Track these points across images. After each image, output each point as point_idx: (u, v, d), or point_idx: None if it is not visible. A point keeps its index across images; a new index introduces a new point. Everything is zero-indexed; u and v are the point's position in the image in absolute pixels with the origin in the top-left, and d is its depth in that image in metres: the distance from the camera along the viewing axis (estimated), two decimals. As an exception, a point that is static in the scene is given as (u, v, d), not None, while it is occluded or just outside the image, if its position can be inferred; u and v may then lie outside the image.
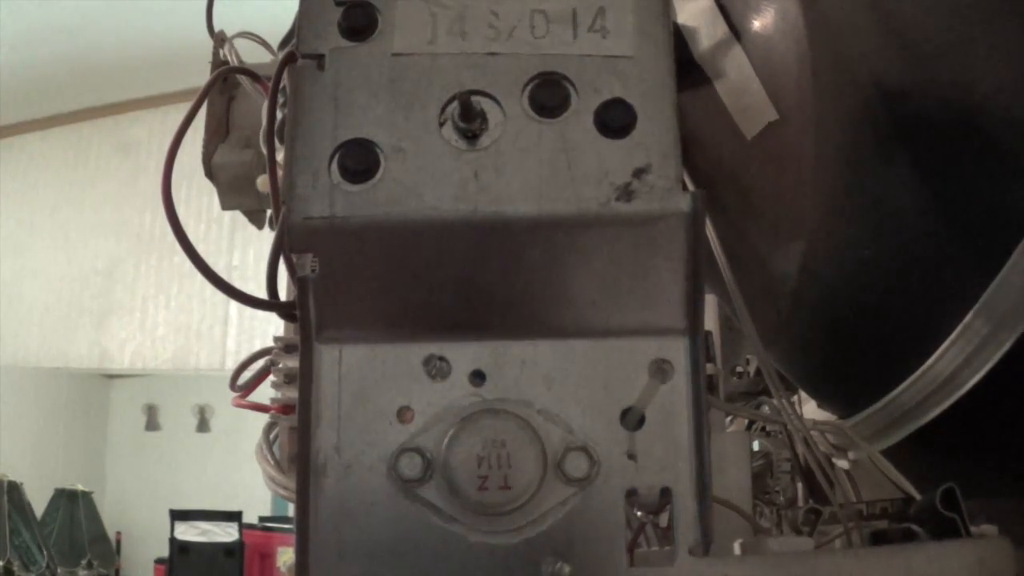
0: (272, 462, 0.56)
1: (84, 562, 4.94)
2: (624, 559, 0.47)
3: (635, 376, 0.48)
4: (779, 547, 0.52)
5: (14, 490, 4.59)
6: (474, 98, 0.48)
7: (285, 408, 0.56)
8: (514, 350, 0.49)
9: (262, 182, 0.65)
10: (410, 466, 0.47)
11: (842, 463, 0.77)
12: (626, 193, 0.46)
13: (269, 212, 0.70)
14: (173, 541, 4.53)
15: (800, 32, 0.67)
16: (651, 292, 0.48)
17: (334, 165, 0.47)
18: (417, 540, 0.47)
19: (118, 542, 5.59)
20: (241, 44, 0.76)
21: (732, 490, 0.68)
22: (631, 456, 0.48)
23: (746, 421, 0.91)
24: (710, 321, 0.91)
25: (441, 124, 0.48)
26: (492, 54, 0.49)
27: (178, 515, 4.60)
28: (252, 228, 0.83)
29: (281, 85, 0.52)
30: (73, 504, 5.14)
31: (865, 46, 0.65)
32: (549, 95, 0.48)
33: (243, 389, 0.61)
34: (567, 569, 0.46)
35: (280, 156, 0.52)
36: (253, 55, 0.77)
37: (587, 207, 0.46)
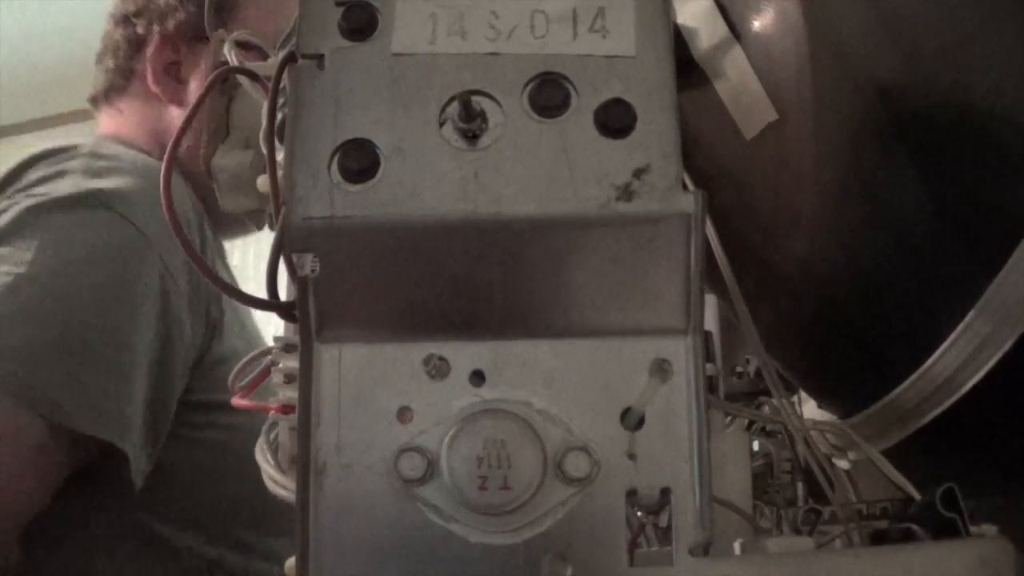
0: (272, 462, 0.56)
1: (84, 562, 4.93)
2: (624, 559, 0.47)
3: (635, 376, 0.48)
4: (779, 547, 0.51)
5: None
6: (474, 98, 0.47)
7: (285, 408, 0.56)
8: (514, 350, 0.49)
9: (262, 182, 0.65)
10: (411, 466, 0.47)
11: (842, 463, 0.76)
12: (626, 193, 0.46)
13: (269, 212, 0.70)
14: (173, 541, 4.52)
15: (800, 32, 0.66)
16: (651, 292, 0.48)
17: (334, 165, 0.47)
18: (417, 540, 0.47)
19: (118, 542, 5.59)
20: (241, 44, 0.76)
21: (732, 490, 0.68)
22: (631, 456, 0.48)
23: (746, 421, 0.90)
24: (710, 321, 0.90)
25: (441, 124, 0.48)
26: (492, 54, 0.49)
27: (178, 515, 4.58)
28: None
29: (281, 85, 0.52)
30: (73, 504, 5.14)
31: (865, 46, 0.65)
32: (549, 95, 0.48)
33: (243, 389, 0.61)
34: (567, 569, 0.46)
35: (280, 156, 0.52)
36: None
37: (587, 207, 0.46)
